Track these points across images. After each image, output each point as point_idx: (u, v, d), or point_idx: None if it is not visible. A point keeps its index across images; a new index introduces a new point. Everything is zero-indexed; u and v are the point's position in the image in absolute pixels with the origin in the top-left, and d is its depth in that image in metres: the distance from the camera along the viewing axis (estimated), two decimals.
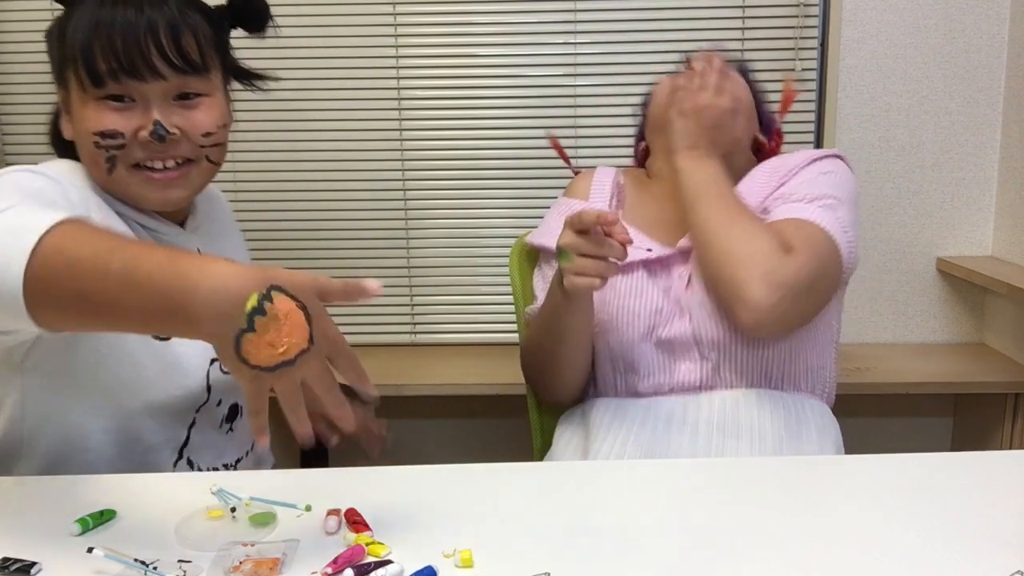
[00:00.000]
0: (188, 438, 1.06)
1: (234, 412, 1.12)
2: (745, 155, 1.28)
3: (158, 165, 0.95)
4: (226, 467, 1.13)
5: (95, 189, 0.98)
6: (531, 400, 1.41)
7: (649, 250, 1.18)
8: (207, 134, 0.97)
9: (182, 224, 1.07)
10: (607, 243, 0.99)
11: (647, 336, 1.17)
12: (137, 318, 0.68)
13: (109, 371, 0.97)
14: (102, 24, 0.90)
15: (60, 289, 0.68)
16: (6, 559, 0.73)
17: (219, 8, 1.03)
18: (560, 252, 1.02)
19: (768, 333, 1.10)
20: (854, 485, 0.86)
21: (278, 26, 1.06)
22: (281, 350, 0.64)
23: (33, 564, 0.73)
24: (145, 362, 0.99)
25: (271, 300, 0.64)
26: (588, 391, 1.26)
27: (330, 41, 2.03)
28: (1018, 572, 0.69)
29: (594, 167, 1.35)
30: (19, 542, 0.77)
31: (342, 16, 2.03)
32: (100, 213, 0.95)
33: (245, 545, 0.75)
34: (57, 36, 0.96)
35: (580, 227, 0.99)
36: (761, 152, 1.31)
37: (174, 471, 1.04)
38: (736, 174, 1.22)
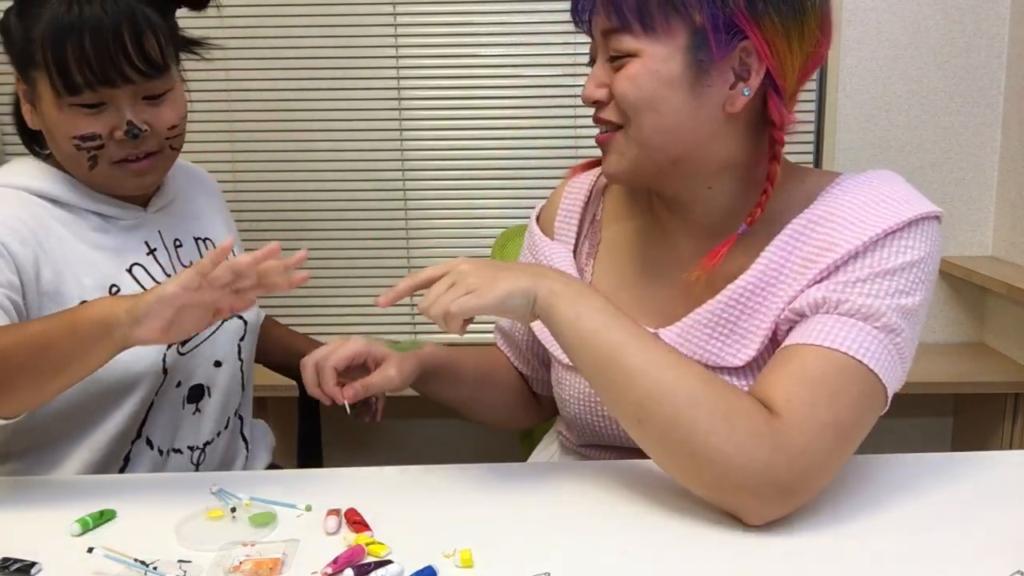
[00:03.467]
0: (146, 419, 1.10)
1: (198, 393, 1.15)
2: (727, 162, 0.88)
3: (132, 158, 1.03)
4: (192, 449, 1.16)
5: (49, 190, 1.04)
6: None
7: None
8: (172, 127, 1.04)
9: (145, 205, 1.12)
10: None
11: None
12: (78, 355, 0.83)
13: None
14: (71, 31, 0.93)
15: (13, 381, 0.83)
16: (6, 559, 0.73)
17: None
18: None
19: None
20: (854, 485, 0.86)
21: (220, 5, 1.09)
22: None
23: (33, 564, 0.73)
24: None
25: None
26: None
27: (330, 41, 2.03)
28: (1018, 572, 0.69)
29: (567, 175, 1.08)
30: (19, 542, 0.77)
31: (342, 16, 2.03)
32: (45, 226, 1.02)
33: (245, 545, 0.75)
34: (19, 31, 0.98)
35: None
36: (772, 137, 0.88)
37: (130, 448, 1.10)
38: (731, 202, 0.90)
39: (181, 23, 1.09)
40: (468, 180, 2.09)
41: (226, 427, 1.20)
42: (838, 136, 2.01)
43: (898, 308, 0.79)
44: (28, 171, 1.06)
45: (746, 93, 0.82)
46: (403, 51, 2.04)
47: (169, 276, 1.08)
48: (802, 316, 0.82)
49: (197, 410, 1.16)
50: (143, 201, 1.12)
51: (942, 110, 2.00)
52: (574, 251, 1.03)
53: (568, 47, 2.00)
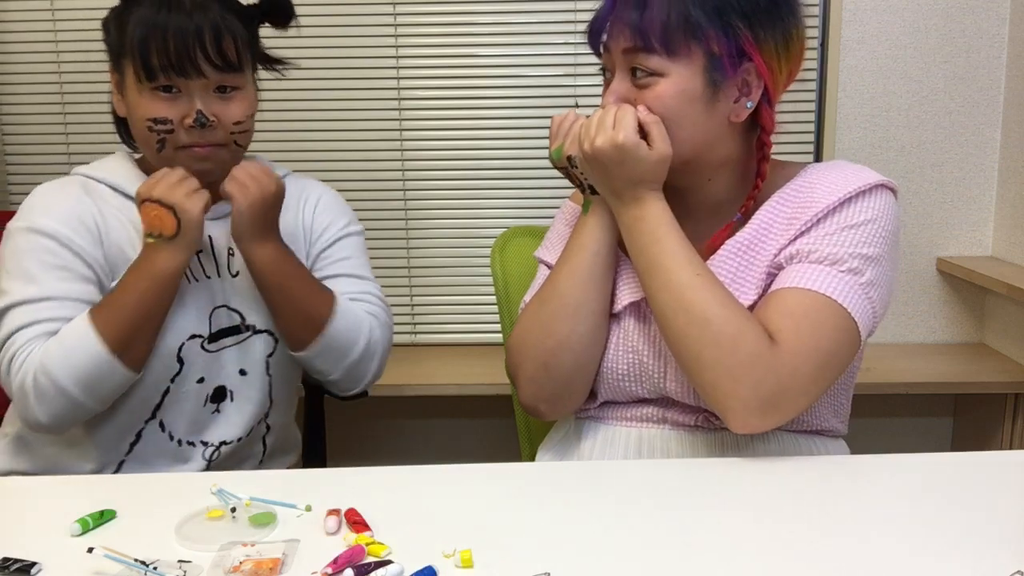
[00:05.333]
0: (161, 402, 1.16)
1: (220, 395, 1.19)
2: (726, 159, 1.02)
3: (198, 146, 1.12)
4: (207, 444, 1.20)
5: (115, 180, 1.17)
6: None
7: None
8: (237, 123, 1.13)
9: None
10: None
11: (637, 392, 1.06)
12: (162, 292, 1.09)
13: None
14: (157, 26, 1.06)
15: (130, 337, 1.07)
16: (6, 559, 0.73)
17: (251, 7, 1.17)
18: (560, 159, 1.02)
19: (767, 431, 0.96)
20: (854, 485, 0.86)
21: (300, 25, 1.21)
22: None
23: (33, 564, 0.73)
24: None
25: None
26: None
27: (330, 41, 2.03)
28: (1018, 572, 0.69)
29: None
30: (19, 542, 0.77)
31: (342, 16, 2.03)
32: (117, 214, 1.15)
33: (245, 545, 0.75)
34: (116, 27, 1.11)
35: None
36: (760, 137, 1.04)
37: (143, 428, 1.16)
38: (727, 191, 1.04)
39: None
40: (468, 180, 2.09)
41: (248, 434, 1.22)
42: (838, 136, 2.01)
43: (858, 255, 0.95)
44: (109, 164, 1.19)
45: (749, 106, 0.98)
46: (403, 51, 2.04)
47: (208, 278, 1.17)
48: (780, 268, 0.98)
49: (217, 411, 1.19)
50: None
51: (942, 110, 2.00)
52: None
53: (568, 47, 2.00)
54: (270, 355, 1.21)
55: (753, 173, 1.03)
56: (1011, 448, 1.86)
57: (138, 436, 1.16)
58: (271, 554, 0.73)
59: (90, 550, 0.71)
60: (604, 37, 0.99)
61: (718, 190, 1.04)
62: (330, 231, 1.26)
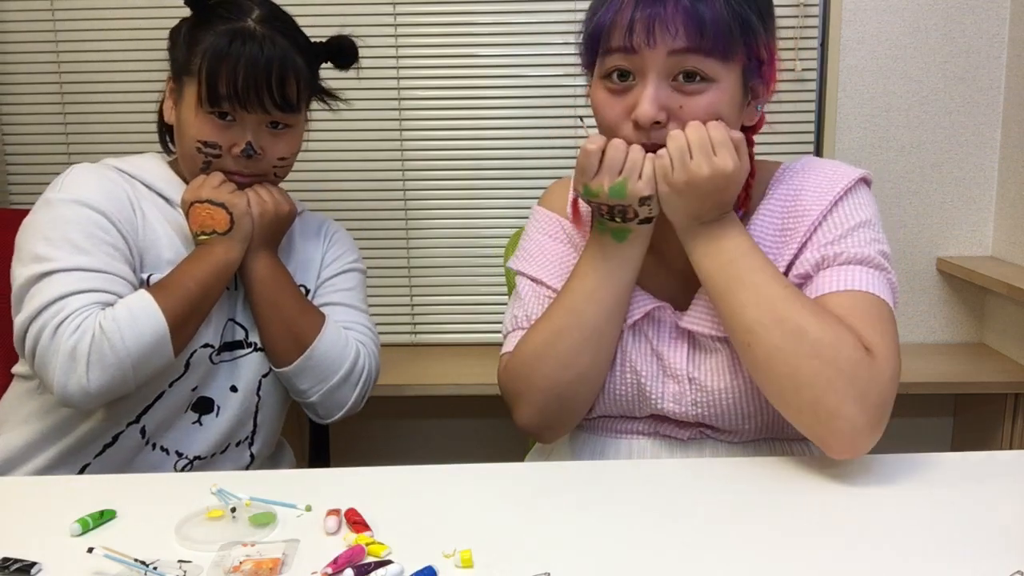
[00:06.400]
0: (152, 405, 1.14)
1: (207, 406, 1.18)
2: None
3: (240, 174, 1.15)
4: (180, 455, 1.17)
5: (153, 181, 1.17)
6: None
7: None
8: (282, 158, 1.17)
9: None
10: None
11: (638, 412, 1.04)
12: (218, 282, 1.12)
13: None
14: (230, 56, 1.08)
15: (185, 320, 1.08)
16: (6, 559, 0.73)
17: (317, 45, 1.22)
18: (591, 192, 0.92)
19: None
20: (854, 485, 0.86)
21: (361, 67, 1.27)
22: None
23: (33, 564, 0.73)
24: None
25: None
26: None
27: None
28: (1018, 572, 0.69)
29: (566, 177, 1.14)
30: (19, 542, 0.77)
31: (342, 16, 2.03)
32: (153, 209, 1.16)
33: (245, 545, 0.75)
34: (186, 43, 1.13)
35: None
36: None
37: (123, 431, 1.14)
38: None
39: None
40: (468, 180, 2.09)
41: (223, 451, 1.21)
42: (838, 136, 2.01)
43: (880, 252, 0.95)
44: (143, 163, 1.19)
45: (759, 109, 0.96)
46: (403, 51, 2.04)
47: (227, 289, 1.16)
48: (808, 277, 0.95)
49: (198, 422, 1.18)
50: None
51: (942, 110, 2.00)
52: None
53: (568, 47, 2.00)
54: (264, 375, 1.21)
55: None
56: (1011, 448, 1.86)
57: (115, 439, 1.14)
58: (271, 554, 0.73)
59: (90, 550, 0.71)
60: (633, 36, 0.88)
61: None
62: (338, 263, 1.29)
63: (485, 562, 0.72)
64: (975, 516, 0.78)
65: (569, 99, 2.03)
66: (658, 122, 0.90)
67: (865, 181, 1.01)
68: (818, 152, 2.04)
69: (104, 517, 0.81)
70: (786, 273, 0.97)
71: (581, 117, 1.95)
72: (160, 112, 1.23)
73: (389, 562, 0.71)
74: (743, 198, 0.99)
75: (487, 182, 2.08)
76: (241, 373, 1.19)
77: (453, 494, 0.86)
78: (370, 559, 0.73)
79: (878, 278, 0.93)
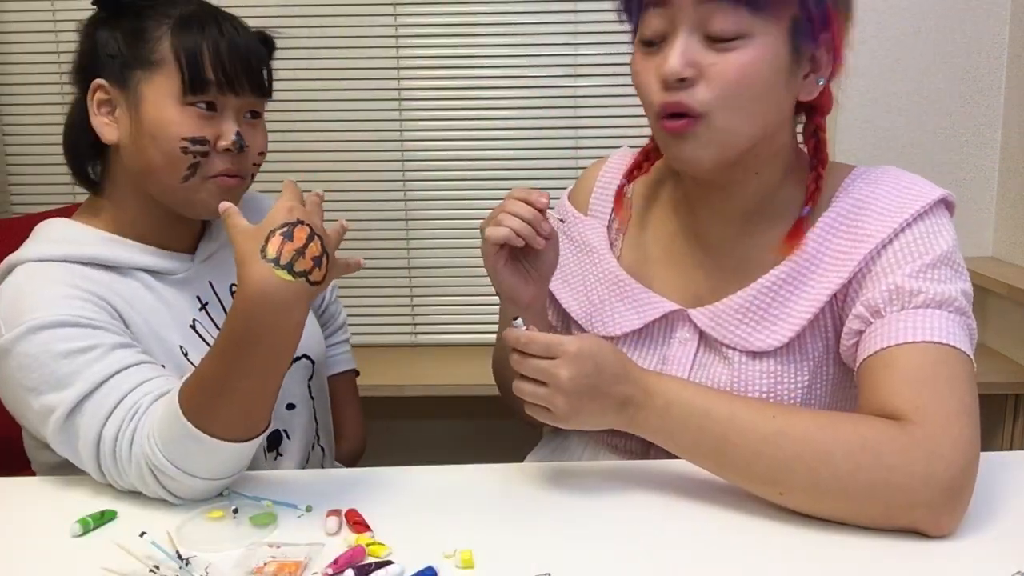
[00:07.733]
0: None
1: (276, 439, 1.10)
2: (780, 148, 0.90)
3: (228, 174, 1.00)
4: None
5: (96, 253, 0.97)
6: None
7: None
8: (260, 153, 1.05)
9: (192, 253, 1.07)
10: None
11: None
12: (256, 360, 0.81)
13: None
14: (210, 39, 0.96)
15: (211, 406, 0.81)
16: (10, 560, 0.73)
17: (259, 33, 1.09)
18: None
19: None
20: None
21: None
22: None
23: (36, 564, 0.73)
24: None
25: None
26: None
27: (330, 42, 2.03)
28: (1018, 572, 0.69)
29: (604, 157, 1.11)
30: (19, 542, 0.77)
31: (342, 16, 2.03)
32: (122, 294, 0.96)
33: (271, 547, 0.74)
34: (120, 34, 0.98)
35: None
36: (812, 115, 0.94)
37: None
38: (773, 185, 0.91)
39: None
40: (468, 181, 2.09)
41: (307, 461, 1.16)
42: (838, 136, 2.01)
43: (963, 292, 0.83)
44: (66, 236, 0.99)
45: (820, 83, 0.86)
46: (403, 51, 2.04)
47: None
48: (877, 312, 0.82)
49: (278, 455, 1.11)
50: (191, 248, 1.07)
51: (942, 110, 2.00)
52: (608, 226, 1.05)
53: (568, 47, 2.00)
54: (310, 379, 1.16)
55: (796, 164, 0.92)
56: (1011, 448, 1.86)
57: None
58: (295, 557, 0.73)
59: (142, 534, 0.73)
60: None
61: (765, 185, 0.91)
62: None
63: (485, 562, 0.72)
64: (975, 516, 0.78)
65: (569, 99, 2.03)
66: (684, 79, 0.81)
67: (945, 203, 0.88)
68: None
69: (105, 517, 0.81)
70: (830, 303, 0.87)
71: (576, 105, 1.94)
72: (69, 137, 1.02)
73: (389, 562, 0.71)
74: (812, 190, 0.89)
75: (487, 182, 2.08)
76: (292, 390, 1.12)
77: (453, 494, 0.86)
78: (370, 559, 0.73)
79: (954, 323, 0.80)
